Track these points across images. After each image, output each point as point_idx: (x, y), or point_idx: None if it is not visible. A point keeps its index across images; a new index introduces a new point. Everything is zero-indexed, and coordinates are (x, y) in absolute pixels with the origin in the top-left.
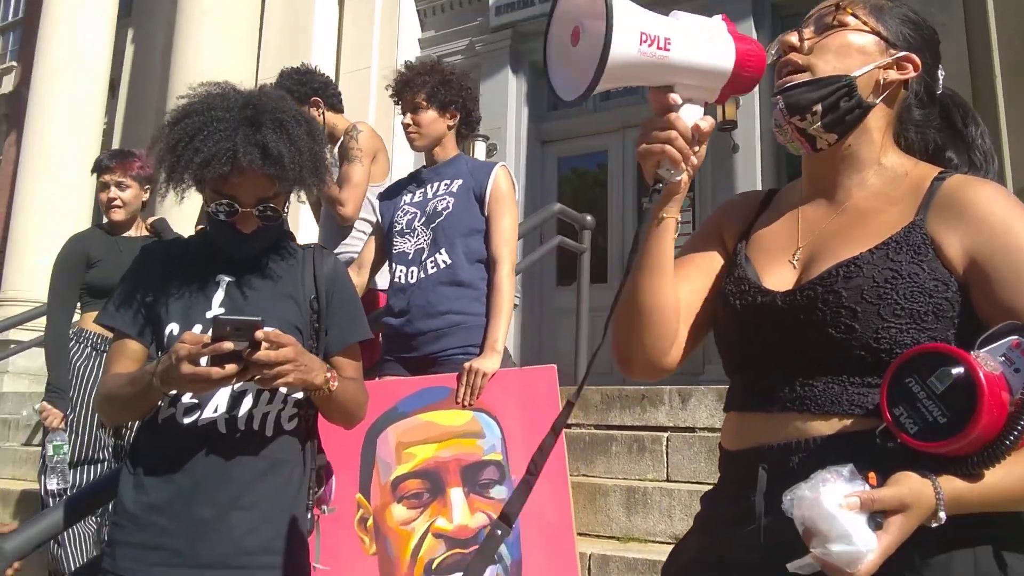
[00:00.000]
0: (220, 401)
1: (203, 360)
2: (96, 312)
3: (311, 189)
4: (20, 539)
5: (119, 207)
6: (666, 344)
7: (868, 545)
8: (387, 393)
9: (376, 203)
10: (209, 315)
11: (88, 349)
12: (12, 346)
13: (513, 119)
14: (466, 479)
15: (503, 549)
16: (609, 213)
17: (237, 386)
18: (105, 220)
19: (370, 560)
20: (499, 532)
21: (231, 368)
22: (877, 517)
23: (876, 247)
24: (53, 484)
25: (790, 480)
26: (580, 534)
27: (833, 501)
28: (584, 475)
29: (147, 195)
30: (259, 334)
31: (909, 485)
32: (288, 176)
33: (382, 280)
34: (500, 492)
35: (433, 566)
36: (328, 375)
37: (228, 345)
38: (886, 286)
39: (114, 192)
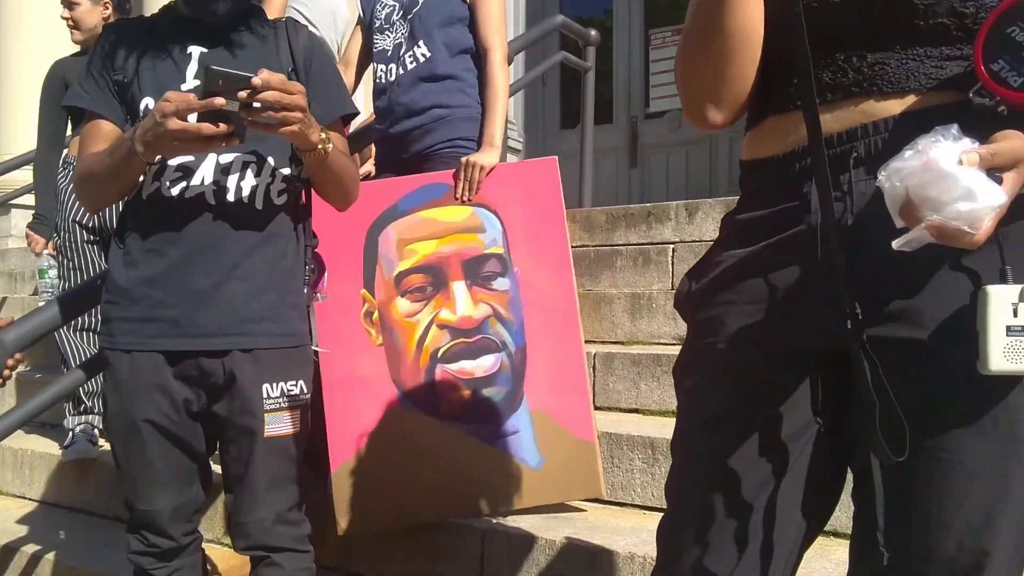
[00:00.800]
0: (206, 173)
1: (191, 118)
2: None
3: None
4: (19, 330)
5: (72, 27)
6: (754, 72)
7: (995, 199)
8: (386, 192)
9: (303, 10)
10: (184, 87)
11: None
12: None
13: None
14: (468, 272)
15: (507, 337)
16: (615, 54)
17: (222, 158)
18: None
19: (377, 350)
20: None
21: (223, 127)
22: (996, 173)
23: None
24: None
25: (856, 170)
26: (585, 341)
27: (949, 159)
28: (589, 289)
29: (108, 10)
30: (260, 79)
31: (1020, 139)
32: None
33: None
34: (503, 284)
35: (439, 354)
36: (323, 135)
37: (220, 101)
38: None
39: (65, 12)
